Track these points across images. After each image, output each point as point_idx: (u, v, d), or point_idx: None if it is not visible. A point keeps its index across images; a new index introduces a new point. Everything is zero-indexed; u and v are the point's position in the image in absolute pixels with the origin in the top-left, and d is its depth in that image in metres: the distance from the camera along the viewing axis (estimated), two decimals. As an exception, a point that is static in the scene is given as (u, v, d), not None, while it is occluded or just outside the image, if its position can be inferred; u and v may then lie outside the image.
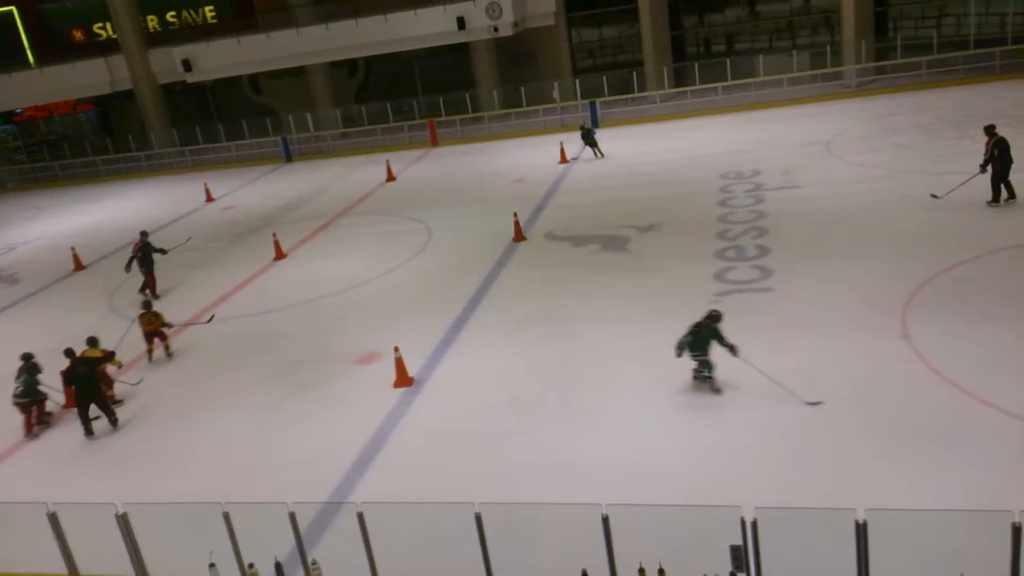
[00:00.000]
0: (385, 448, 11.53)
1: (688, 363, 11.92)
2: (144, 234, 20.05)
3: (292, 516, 8.21)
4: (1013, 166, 16.79)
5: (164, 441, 12.71)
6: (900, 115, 25.96)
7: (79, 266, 23.45)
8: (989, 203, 16.82)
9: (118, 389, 14.34)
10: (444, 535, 9.03)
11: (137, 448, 12.69)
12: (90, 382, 13.07)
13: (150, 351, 15.76)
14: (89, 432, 13.08)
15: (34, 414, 13.43)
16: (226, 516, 8.28)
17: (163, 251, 19.91)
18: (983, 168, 16.81)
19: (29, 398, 13.25)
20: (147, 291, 19.61)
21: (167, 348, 15.95)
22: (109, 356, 13.75)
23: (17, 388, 13.22)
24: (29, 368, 13.45)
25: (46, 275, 23.34)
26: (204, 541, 8.54)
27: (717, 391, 11.44)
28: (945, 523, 7.56)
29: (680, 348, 11.53)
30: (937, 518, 7.64)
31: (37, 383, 13.40)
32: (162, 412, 13.70)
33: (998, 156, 16.59)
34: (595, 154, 26.84)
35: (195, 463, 12.02)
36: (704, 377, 11.56)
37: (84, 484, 11.82)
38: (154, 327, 15.61)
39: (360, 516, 8.03)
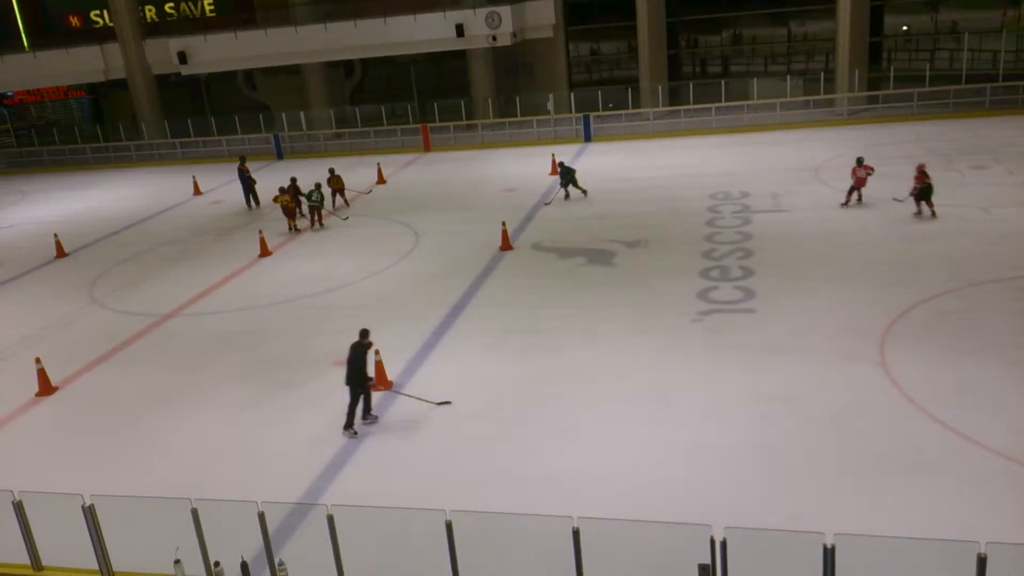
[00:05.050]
0: (359, 451, 11.48)
1: (668, 384, 11.92)
2: (242, 159, 27.29)
3: (261, 516, 8.16)
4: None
5: (136, 433, 12.60)
6: (889, 145, 26.20)
7: (61, 253, 23.25)
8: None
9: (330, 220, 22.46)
10: (414, 541, 8.98)
11: (107, 439, 12.57)
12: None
13: (334, 205, 24.88)
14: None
15: (316, 217, 23.45)
16: (194, 512, 8.22)
17: (254, 180, 26.79)
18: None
19: (319, 202, 23.12)
20: (254, 204, 26.58)
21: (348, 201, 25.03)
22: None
23: (315, 195, 23.10)
24: (318, 185, 23.52)
25: (26, 261, 23.12)
26: (171, 537, 8.47)
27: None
28: (912, 551, 7.59)
29: None
30: (904, 546, 7.68)
31: (323, 196, 23.49)
32: (136, 403, 13.59)
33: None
34: (566, 194, 23.60)
35: (166, 457, 11.92)
36: None
37: (53, 473, 11.69)
38: (339, 186, 25.17)
39: (330, 519, 7.99)
